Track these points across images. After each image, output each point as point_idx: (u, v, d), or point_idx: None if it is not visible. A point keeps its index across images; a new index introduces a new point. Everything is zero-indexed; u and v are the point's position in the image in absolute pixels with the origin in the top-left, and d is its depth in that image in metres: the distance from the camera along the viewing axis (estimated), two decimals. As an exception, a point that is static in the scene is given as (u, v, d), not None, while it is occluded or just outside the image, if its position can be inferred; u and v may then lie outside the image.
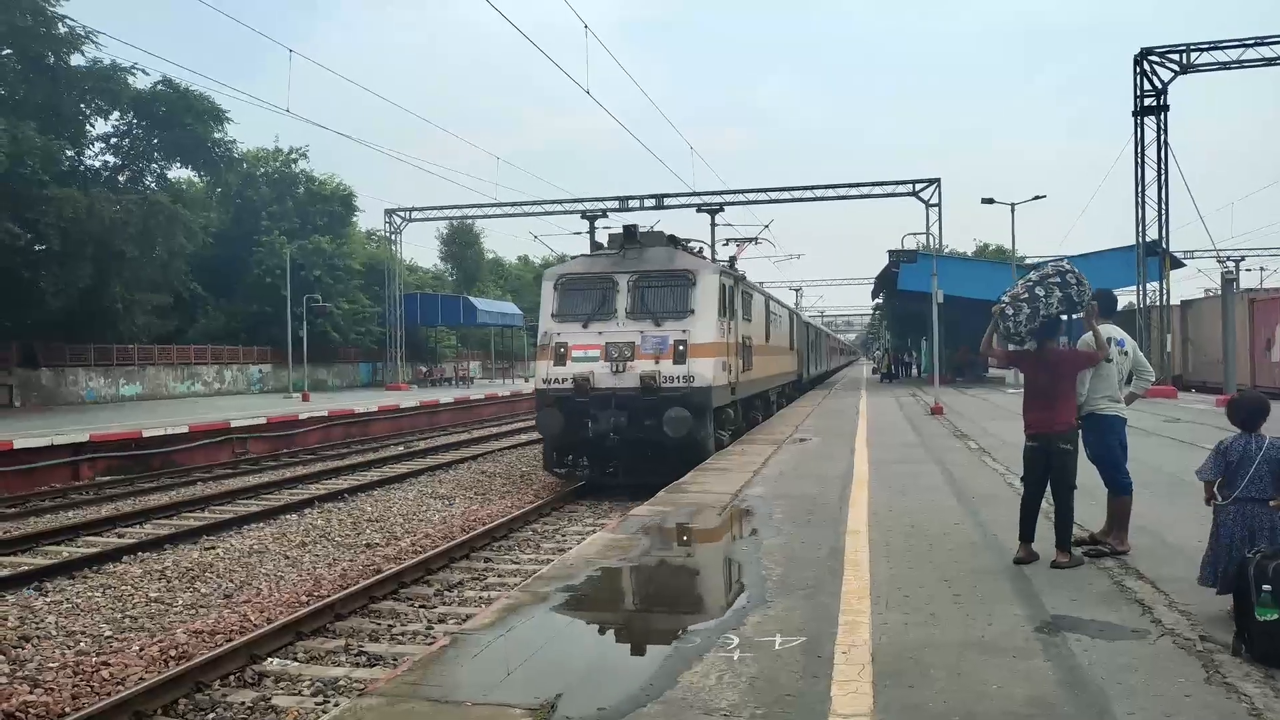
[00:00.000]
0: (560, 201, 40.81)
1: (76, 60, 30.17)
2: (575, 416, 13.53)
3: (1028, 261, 35.59)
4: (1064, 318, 6.39)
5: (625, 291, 14.05)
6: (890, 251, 32.82)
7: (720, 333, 14.14)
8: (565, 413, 13.52)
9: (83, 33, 28.78)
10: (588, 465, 14.40)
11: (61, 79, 29.65)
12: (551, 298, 14.51)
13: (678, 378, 13.31)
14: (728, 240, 23.92)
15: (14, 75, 29.12)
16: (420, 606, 8.40)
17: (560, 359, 13.83)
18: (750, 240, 23.99)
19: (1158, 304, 28.25)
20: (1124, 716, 3.62)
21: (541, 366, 14.03)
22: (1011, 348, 6.47)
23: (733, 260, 18.94)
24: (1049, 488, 6.15)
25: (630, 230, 15.03)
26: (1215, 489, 4.95)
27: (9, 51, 29.07)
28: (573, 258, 15.54)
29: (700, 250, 16.71)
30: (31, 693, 6.28)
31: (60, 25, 28.63)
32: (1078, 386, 6.34)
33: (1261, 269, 57.77)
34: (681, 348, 13.45)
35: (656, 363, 13.43)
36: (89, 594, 8.93)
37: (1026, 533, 6.22)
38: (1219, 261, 36.93)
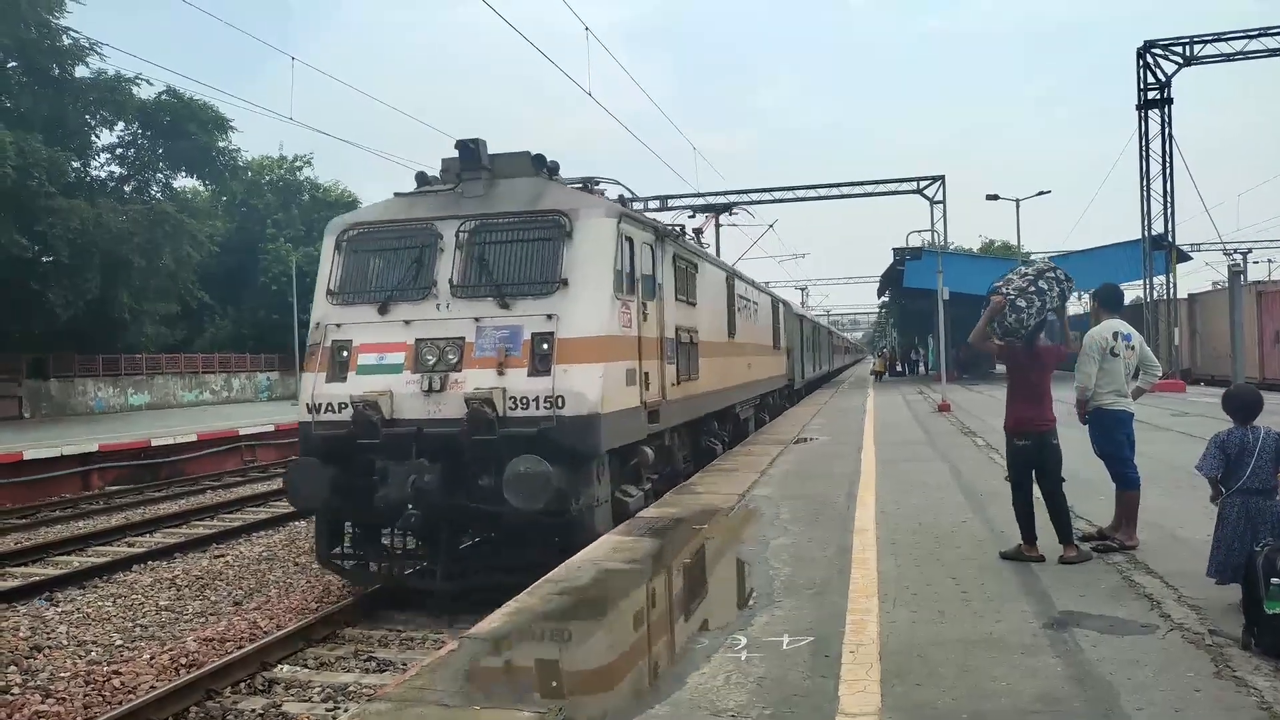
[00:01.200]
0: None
1: (81, 72, 30.45)
2: (353, 473, 8.04)
3: (1033, 257, 35.53)
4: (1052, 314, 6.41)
5: (453, 249, 8.41)
6: (895, 249, 32.85)
7: (618, 318, 8.43)
8: (337, 465, 7.99)
9: (87, 44, 29.08)
10: (400, 550, 8.57)
11: (67, 90, 29.87)
12: (330, 264, 8.88)
13: (536, 399, 7.73)
14: (690, 212, 18.92)
15: (19, 88, 29.32)
16: (429, 611, 8.40)
17: (339, 369, 8.38)
18: (725, 209, 19.26)
19: (1165, 297, 28.15)
20: (1133, 712, 3.61)
21: (307, 382, 8.52)
22: (1007, 342, 6.40)
23: (698, 232, 13.86)
24: (1034, 485, 6.17)
25: (469, 147, 8.80)
26: (1218, 482, 4.96)
27: (14, 64, 29.27)
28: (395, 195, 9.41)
29: (606, 191, 10.00)
30: (43, 702, 6.33)
31: (64, 37, 28.84)
32: (1085, 381, 6.39)
33: (1269, 261, 57.64)
34: (545, 346, 7.89)
35: (500, 373, 7.84)
36: (100, 603, 8.98)
37: (1030, 534, 6.16)
38: (1226, 254, 36.81)
